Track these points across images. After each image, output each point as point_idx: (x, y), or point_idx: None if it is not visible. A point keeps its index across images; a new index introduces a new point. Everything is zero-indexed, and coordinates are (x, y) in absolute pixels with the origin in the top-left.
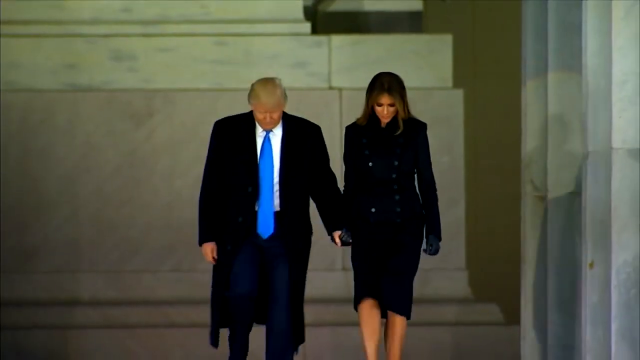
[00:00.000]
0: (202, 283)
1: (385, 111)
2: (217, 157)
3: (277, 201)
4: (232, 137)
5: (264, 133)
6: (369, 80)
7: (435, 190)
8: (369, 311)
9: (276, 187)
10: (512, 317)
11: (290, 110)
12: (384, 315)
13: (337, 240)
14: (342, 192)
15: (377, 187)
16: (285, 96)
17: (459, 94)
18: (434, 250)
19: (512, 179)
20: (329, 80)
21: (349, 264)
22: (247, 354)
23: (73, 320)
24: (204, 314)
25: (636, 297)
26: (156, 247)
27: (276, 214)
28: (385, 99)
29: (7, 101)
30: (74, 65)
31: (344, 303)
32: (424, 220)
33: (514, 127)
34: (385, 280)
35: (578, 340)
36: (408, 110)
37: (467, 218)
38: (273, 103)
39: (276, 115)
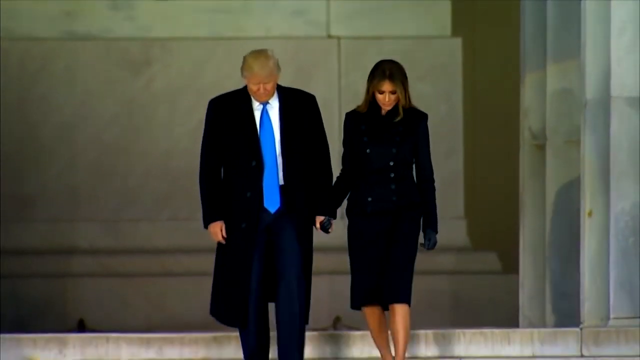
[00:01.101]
0: (199, 232)
1: (386, 98)
2: (215, 135)
3: (281, 174)
4: (230, 114)
5: (261, 106)
6: (368, 28)
7: (433, 181)
8: (372, 314)
9: (279, 159)
10: (511, 265)
11: (288, 59)
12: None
13: (318, 225)
14: (333, 177)
15: (374, 174)
16: (278, 67)
17: (458, 42)
18: (431, 245)
19: (510, 128)
20: (327, 29)
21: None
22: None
23: (71, 269)
24: (201, 263)
25: (635, 245)
26: (154, 195)
27: (281, 187)
28: (386, 86)
29: (6, 49)
30: (72, 13)
31: (342, 251)
32: (421, 210)
33: (512, 75)
34: (386, 274)
35: (576, 288)
36: (409, 99)
37: (465, 167)
38: (266, 73)
39: (269, 86)
